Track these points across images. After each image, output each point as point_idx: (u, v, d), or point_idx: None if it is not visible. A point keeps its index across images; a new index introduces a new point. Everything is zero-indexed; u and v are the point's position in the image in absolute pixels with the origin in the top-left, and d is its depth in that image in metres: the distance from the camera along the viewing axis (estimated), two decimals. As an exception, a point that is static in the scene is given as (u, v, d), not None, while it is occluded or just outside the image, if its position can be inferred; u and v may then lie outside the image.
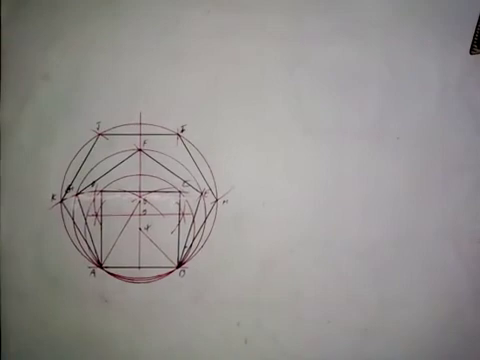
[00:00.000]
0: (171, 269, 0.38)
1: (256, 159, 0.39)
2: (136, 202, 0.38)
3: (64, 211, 0.38)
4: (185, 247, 0.38)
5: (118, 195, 0.38)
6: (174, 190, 0.38)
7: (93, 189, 0.38)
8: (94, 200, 0.38)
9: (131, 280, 0.38)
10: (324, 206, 0.39)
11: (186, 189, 0.39)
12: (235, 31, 0.38)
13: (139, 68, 0.38)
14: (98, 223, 0.38)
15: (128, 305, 0.38)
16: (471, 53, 0.39)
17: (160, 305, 0.39)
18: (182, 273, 0.39)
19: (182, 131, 0.38)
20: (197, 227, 0.39)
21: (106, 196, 0.38)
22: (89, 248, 0.38)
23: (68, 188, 0.38)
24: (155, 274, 0.38)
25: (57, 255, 0.38)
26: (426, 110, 0.39)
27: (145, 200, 0.38)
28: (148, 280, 0.38)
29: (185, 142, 0.38)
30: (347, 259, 0.39)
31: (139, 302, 0.38)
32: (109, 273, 0.38)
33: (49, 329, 0.38)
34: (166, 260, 0.38)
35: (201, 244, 0.39)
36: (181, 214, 0.38)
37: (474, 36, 0.39)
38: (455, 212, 0.39)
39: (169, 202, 0.38)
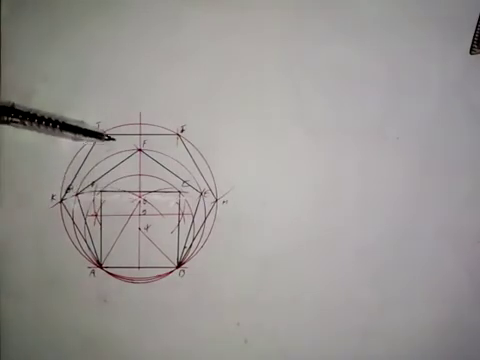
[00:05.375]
0: (171, 269, 0.38)
1: (256, 159, 0.39)
2: (136, 202, 0.38)
3: (64, 211, 0.38)
4: (185, 247, 0.38)
5: (118, 195, 0.38)
6: (174, 190, 0.38)
7: (93, 189, 0.38)
8: (94, 200, 0.38)
9: (131, 280, 0.38)
10: (324, 206, 0.39)
11: (186, 189, 0.38)
12: (235, 31, 0.38)
13: (139, 68, 0.38)
14: (98, 223, 0.38)
15: (128, 305, 0.38)
16: (471, 53, 0.39)
17: (160, 305, 0.39)
18: (182, 273, 0.39)
19: (182, 131, 0.38)
20: (197, 227, 0.39)
21: (106, 196, 0.38)
22: (89, 248, 0.38)
23: (68, 188, 0.38)
24: (155, 274, 0.38)
25: (57, 255, 0.38)
26: (426, 110, 0.39)
27: (145, 200, 0.38)
28: (148, 280, 0.38)
29: (185, 142, 0.38)
30: (347, 259, 0.39)
31: (139, 302, 0.38)
32: (109, 273, 0.38)
33: (49, 329, 0.38)
34: (166, 260, 0.38)
35: (201, 244, 0.39)
36: (181, 214, 0.38)
37: (474, 36, 0.39)
38: (455, 212, 0.39)
39: (169, 202, 0.38)
